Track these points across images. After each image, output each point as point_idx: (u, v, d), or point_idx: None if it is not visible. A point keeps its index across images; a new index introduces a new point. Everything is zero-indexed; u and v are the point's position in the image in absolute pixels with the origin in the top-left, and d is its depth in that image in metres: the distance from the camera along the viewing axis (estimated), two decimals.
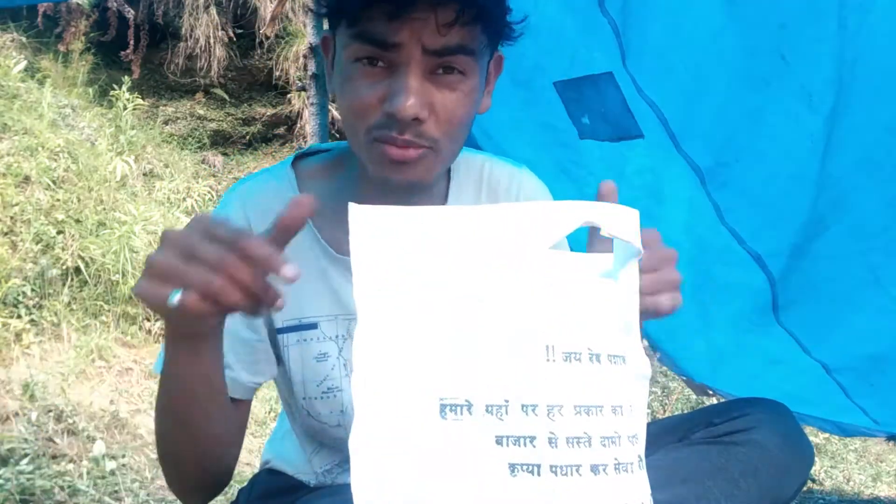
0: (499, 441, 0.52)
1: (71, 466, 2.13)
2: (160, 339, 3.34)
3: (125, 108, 4.90)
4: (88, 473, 2.11)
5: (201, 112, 6.14)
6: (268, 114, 6.25)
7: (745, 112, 1.41)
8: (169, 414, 0.77)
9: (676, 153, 1.55)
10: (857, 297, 1.56)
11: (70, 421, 2.36)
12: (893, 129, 1.27)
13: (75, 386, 2.67)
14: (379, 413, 0.52)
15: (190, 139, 5.83)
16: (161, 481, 2.21)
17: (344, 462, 0.97)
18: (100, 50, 5.68)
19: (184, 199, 4.73)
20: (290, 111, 6.14)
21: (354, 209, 0.55)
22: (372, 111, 0.77)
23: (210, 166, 5.68)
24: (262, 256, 0.58)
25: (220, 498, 2.13)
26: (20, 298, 2.95)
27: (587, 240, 0.69)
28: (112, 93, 4.98)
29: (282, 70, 6.09)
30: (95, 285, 3.27)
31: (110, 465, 2.18)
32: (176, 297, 0.57)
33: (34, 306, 2.99)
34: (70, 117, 4.49)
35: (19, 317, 2.89)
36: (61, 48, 5.30)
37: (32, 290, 3.01)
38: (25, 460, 2.07)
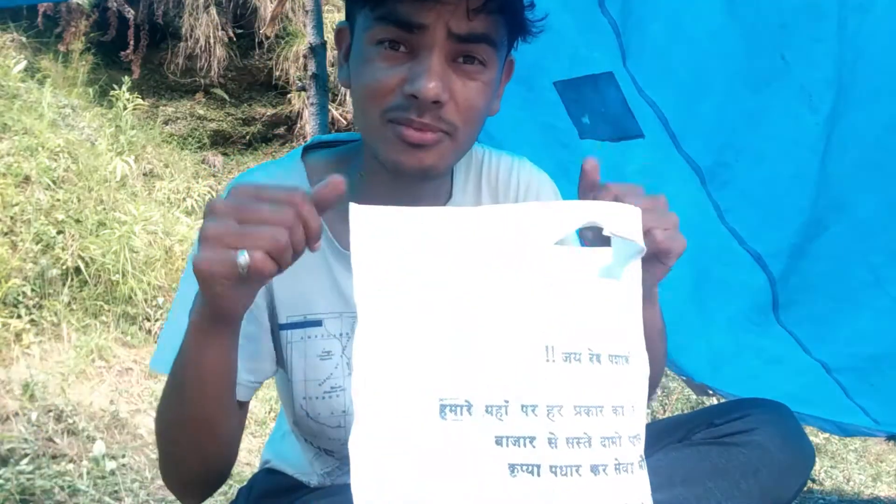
0: (498, 441, 0.52)
1: (71, 466, 2.13)
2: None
3: (125, 108, 4.90)
4: (88, 473, 2.11)
5: (201, 112, 6.14)
6: (268, 114, 6.24)
7: (745, 112, 1.41)
8: (180, 407, 0.76)
9: (676, 153, 1.55)
10: (857, 297, 1.56)
11: (70, 421, 2.36)
12: (893, 129, 1.27)
13: (75, 386, 2.67)
14: (379, 413, 0.52)
15: (190, 139, 5.83)
16: (161, 481, 2.21)
17: (345, 463, 0.96)
18: (100, 50, 5.68)
19: (184, 199, 4.73)
20: (290, 111, 6.13)
21: (355, 209, 0.55)
22: (389, 93, 0.77)
23: (210, 166, 5.68)
24: (310, 214, 0.62)
25: (220, 498, 2.12)
26: (20, 298, 2.95)
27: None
28: (112, 93, 4.98)
29: (282, 70, 6.09)
30: (95, 285, 3.27)
31: (110, 465, 2.18)
32: (243, 258, 0.59)
33: (34, 306, 2.99)
34: (70, 117, 4.49)
35: (19, 317, 2.89)
36: (61, 48, 5.30)
37: (32, 290, 3.00)
38: (25, 460, 2.07)
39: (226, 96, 6.22)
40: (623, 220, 0.60)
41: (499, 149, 1.04)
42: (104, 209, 3.68)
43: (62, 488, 1.98)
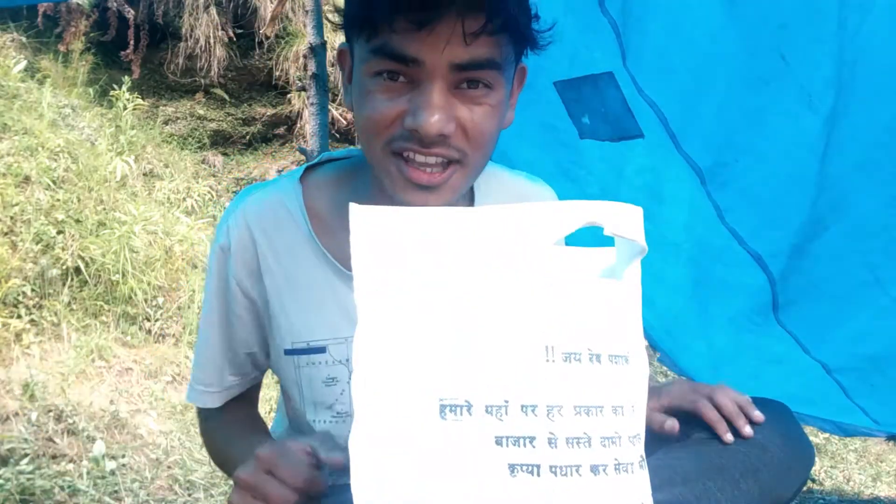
0: (498, 441, 0.52)
1: (71, 466, 2.13)
2: (160, 339, 3.34)
3: (125, 108, 4.90)
4: (88, 473, 2.11)
5: (201, 112, 6.14)
6: (268, 114, 6.24)
7: (745, 112, 1.41)
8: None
9: (676, 153, 1.55)
10: (857, 297, 1.56)
11: (70, 421, 2.36)
12: (893, 130, 1.27)
13: (75, 386, 2.67)
14: (379, 413, 0.52)
15: (190, 139, 5.83)
16: (161, 481, 2.21)
17: (346, 463, 0.96)
18: (100, 50, 5.68)
19: (184, 199, 4.73)
20: (290, 111, 6.13)
21: (354, 209, 0.55)
22: (392, 126, 0.74)
23: (210, 166, 5.68)
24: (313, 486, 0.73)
25: (220, 498, 2.12)
26: (20, 298, 2.95)
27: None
28: (112, 93, 4.98)
29: (282, 70, 6.09)
30: (95, 285, 3.27)
31: (110, 465, 2.19)
32: None
33: (34, 306, 2.98)
34: (70, 117, 4.49)
35: (19, 317, 2.89)
36: (61, 48, 5.29)
37: (32, 290, 3.00)
38: (25, 460, 2.07)
39: (226, 96, 6.22)
40: (624, 219, 0.60)
41: (498, 149, 1.04)
42: (104, 209, 3.68)
43: (62, 488, 1.98)
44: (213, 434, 1.00)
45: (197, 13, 5.94)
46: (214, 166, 5.70)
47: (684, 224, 1.67)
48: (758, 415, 0.85)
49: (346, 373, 0.88)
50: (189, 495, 2.18)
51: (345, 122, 5.77)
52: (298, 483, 0.70)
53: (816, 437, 3.53)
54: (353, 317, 0.56)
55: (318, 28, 2.67)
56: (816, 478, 3.33)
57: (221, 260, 0.90)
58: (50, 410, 2.39)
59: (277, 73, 6.11)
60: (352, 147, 1.00)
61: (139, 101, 5.10)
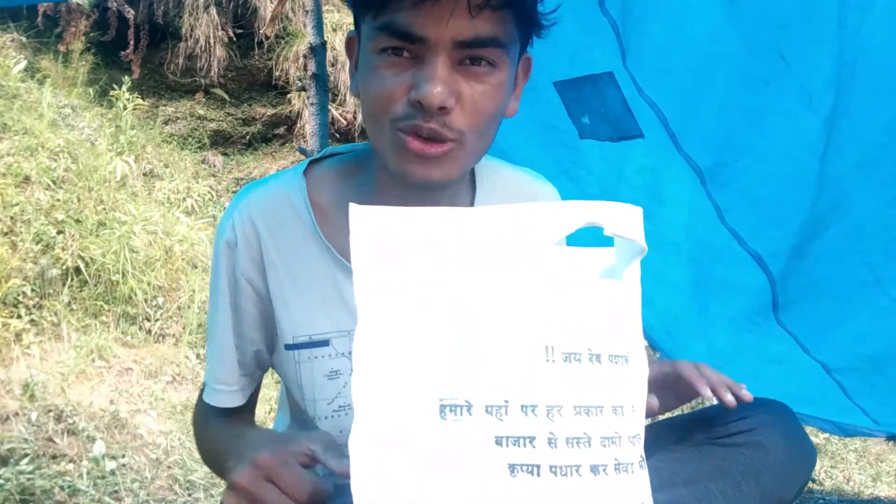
0: (498, 441, 0.52)
1: (71, 466, 2.13)
2: (160, 339, 3.34)
3: (125, 108, 4.90)
4: (88, 473, 2.11)
5: (201, 112, 6.13)
6: (268, 114, 6.24)
7: (745, 112, 1.41)
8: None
9: (676, 153, 1.55)
10: (857, 297, 1.56)
11: (70, 421, 2.36)
12: (893, 130, 1.27)
13: (75, 386, 2.67)
14: (379, 413, 0.52)
15: (190, 139, 5.83)
16: (161, 481, 2.21)
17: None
18: (100, 50, 5.68)
19: (184, 199, 4.73)
20: (290, 111, 6.13)
21: (354, 209, 0.55)
22: (397, 101, 0.76)
23: (210, 166, 5.67)
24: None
25: (220, 499, 2.12)
26: (20, 298, 2.95)
27: None
28: (112, 93, 4.98)
29: (282, 70, 6.09)
30: (95, 285, 3.27)
31: (110, 465, 2.19)
32: None
33: (34, 306, 2.99)
34: (70, 117, 4.49)
35: (19, 317, 2.89)
36: (61, 48, 5.29)
37: (32, 290, 3.00)
38: (25, 460, 2.07)
39: (226, 96, 6.22)
40: (624, 219, 0.60)
41: (498, 148, 1.04)
42: (104, 209, 3.68)
43: (62, 488, 1.98)
44: (209, 430, 0.98)
45: (197, 13, 5.94)
46: (214, 166, 5.70)
47: (684, 224, 1.67)
48: (746, 393, 0.85)
49: (348, 366, 0.88)
50: (189, 495, 2.18)
51: (345, 122, 5.77)
52: (302, 496, 0.67)
53: (816, 437, 3.53)
54: (356, 311, 0.56)
55: (318, 28, 2.67)
56: (816, 478, 3.33)
57: (228, 255, 0.90)
58: (50, 410, 2.39)
59: (277, 73, 6.11)
60: (353, 144, 1.00)
61: (139, 101, 5.10)
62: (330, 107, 5.01)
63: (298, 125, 5.98)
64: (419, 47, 0.74)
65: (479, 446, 0.52)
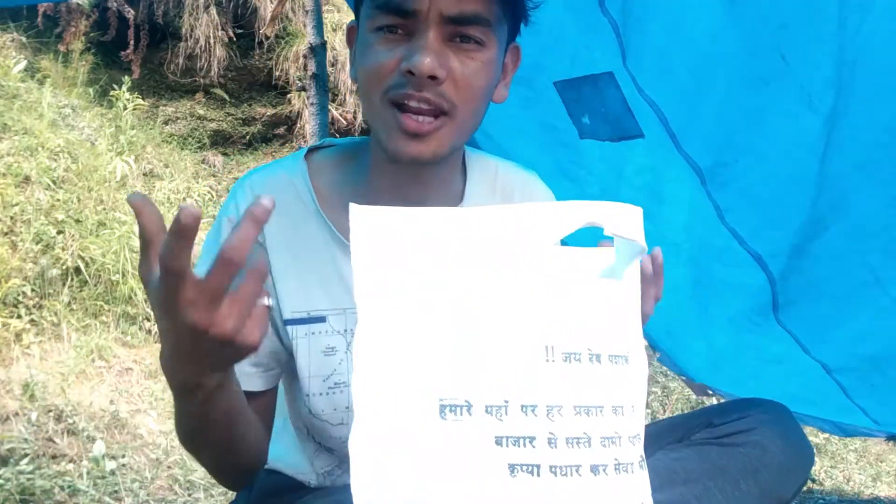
0: (498, 441, 0.52)
1: (71, 466, 2.13)
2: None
3: (125, 108, 4.89)
4: (88, 473, 2.11)
5: (201, 112, 6.13)
6: (268, 114, 6.23)
7: (745, 112, 1.41)
8: (198, 443, 0.83)
9: (676, 153, 1.55)
10: (857, 297, 1.56)
11: (70, 421, 2.36)
12: (893, 130, 1.27)
13: (75, 386, 2.67)
14: (379, 413, 0.52)
15: (190, 139, 5.83)
16: (161, 481, 2.21)
17: (344, 462, 0.96)
18: (100, 50, 5.67)
19: (184, 199, 4.73)
20: (290, 111, 6.13)
21: (355, 210, 0.55)
22: (388, 73, 0.80)
23: (210, 166, 5.67)
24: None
25: (220, 499, 2.12)
26: (20, 298, 2.95)
27: None
28: (112, 93, 4.97)
29: (282, 70, 6.08)
30: (95, 285, 3.27)
31: (110, 465, 2.18)
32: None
33: (34, 306, 2.98)
34: (70, 117, 4.49)
35: (19, 317, 2.89)
36: (61, 48, 5.29)
37: (32, 290, 3.00)
38: (25, 460, 2.07)
39: (226, 96, 6.21)
40: (624, 219, 0.60)
41: (499, 148, 1.05)
42: (104, 209, 3.67)
43: (62, 488, 1.98)
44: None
45: (197, 13, 5.94)
46: (214, 166, 5.69)
47: (684, 224, 1.67)
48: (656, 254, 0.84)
49: (343, 343, 0.90)
50: (189, 495, 2.18)
51: (345, 122, 5.77)
52: (254, 338, 0.60)
53: (816, 437, 3.53)
54: (353, 289, 0.56)
55: (318, 28, 2.67)
56: (816, 478, 3.33)
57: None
58: (50, 410, 2.39)
59: (277, 73, 6.11)
60: (349, 137, 1.03)
61: (139, 101, 5.10)
62: (330, 107, 5.01)
63: (298, 125, 5.98)
64: (412, 22, 0.79)
65: (479, 446, 0.52)
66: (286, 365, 0.95)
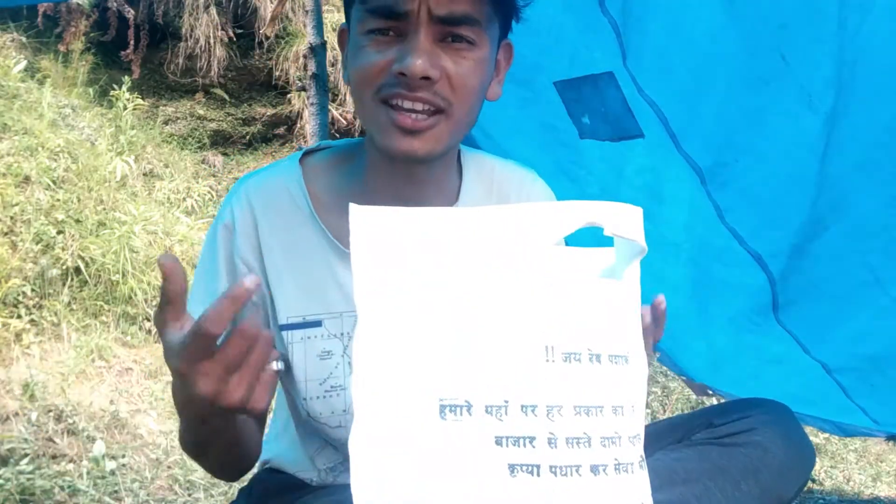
0: (498, 441, 0.52)
1: (71, 466, 2.13)
2: (160, 339, 3.33)
3: (125, 108, 4.89)
4: (88, 473, 2.11)
5: (201, 112, 6.13)
6: (268, 114, 6.23)
7: (745, 112, 1.41)
8: (201, 453, 0.84)
9: (676, 153, 1.55)
10: (857, 297, 1.56)
11: (70, 421, 2.36)
12: (893, 130, 1.27)
13: (75, 386, 2.67)
14: (379, 413, 0.52)
15: (190, 139, 5.83)
16: (161, 481, 2.21)
17: (347, 460, 0.96)
18: (100, 50, 5.67)
19: (184, 199, 4.73)
20: (290, 111, 6.13)
21: (354, 210, 0.55)
22: (380, 74, 0.80)
23: (210, 166, 5.67)
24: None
25: (220, 498, 2.12)
26: (20, 298, 2.95)
27: None
28: (112, 93, 4.97)
29: (282, 70, 6.08)
30: (95, 285, 3.27)
31: (110, 465, 2.18)
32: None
33: (34, 306, 2.98)
34: (70, 117, 4.49)
35: (19, 317, 2.89)
36: (61, 48, 5.29)
37: (32, 290, 3.00)
38: (25, 460, 2.07)
39: (226, 96, 6.21)
40: (624, 219, 0.60)
41: (498, 148, 1.05)
42: (104, 209, 3.67)
43: (62, 488, 1.98)
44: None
45: (197, 13, 5.94)
46: (214, 166, 5.69)
47: (684, 224, 1.67)
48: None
49: (340, 347, 0.90)
50: (189, 495, 2.18)
51: (345, 122, 5.77)
52: (262, 404, 0.63)
53: (816, 437, 3.53)
54: (349, 295, 0.57)
55: (318, 28, 2.67)
56: (816, 478, 3.33)
57: (226, 238, 0.92)
58: (50, 410, 2.39)
59: (277, 73, 6.11)
60: (346, 139, 1.02)
61: (139, 101, 5.10)
62: (330, 107, 5.00)
63: (298, 125, 5.98)
64: (403, 24, 0.79)
65: (479, 446, 0.52)
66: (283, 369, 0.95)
